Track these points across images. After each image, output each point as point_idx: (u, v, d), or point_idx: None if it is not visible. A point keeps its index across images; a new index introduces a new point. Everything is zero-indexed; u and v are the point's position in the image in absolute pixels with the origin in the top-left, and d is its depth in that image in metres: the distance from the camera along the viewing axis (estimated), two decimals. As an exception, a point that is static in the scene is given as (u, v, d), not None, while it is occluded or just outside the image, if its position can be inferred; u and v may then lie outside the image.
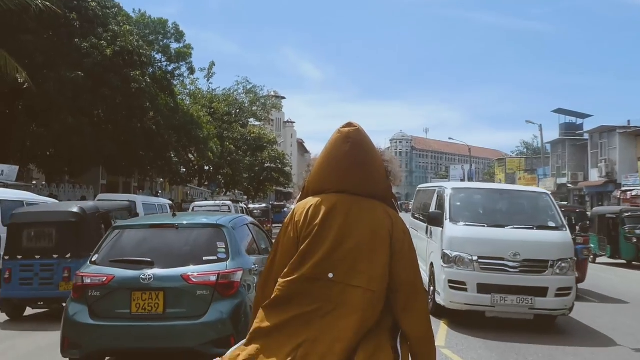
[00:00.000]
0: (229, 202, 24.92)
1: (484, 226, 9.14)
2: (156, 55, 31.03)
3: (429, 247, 10.26)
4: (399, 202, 2.97)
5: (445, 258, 8.88)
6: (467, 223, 9.24)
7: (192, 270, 5.86)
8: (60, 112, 20.84)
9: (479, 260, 8.61)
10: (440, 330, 8.47)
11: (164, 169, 33.23)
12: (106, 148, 22.79)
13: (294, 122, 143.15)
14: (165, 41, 32.61)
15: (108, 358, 6.20)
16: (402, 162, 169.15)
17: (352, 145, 2.63)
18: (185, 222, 6.69)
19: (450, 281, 8.71)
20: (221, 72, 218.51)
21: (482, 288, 8.50)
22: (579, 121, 54.30)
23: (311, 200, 2.70)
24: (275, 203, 49.33)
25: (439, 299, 9.08)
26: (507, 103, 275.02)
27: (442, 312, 9.12)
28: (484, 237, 8.91)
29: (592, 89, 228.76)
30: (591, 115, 55.73)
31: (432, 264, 9.81)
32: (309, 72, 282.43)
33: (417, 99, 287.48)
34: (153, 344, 5.84)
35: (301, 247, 2.59)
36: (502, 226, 9.11)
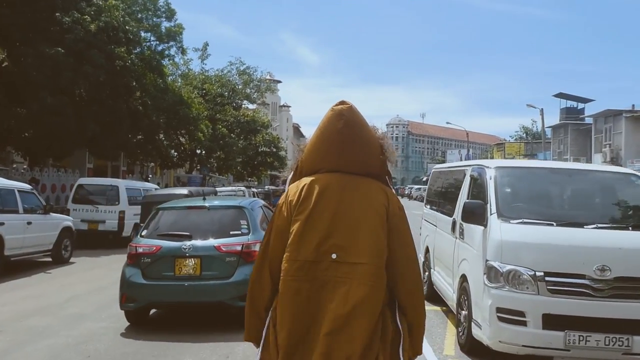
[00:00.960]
0: (243, 188, 28.25)
1: (552, 225, 6.08)
2: (145, 34, 29.49)
3: (458, 252, 7.35)
4: (394, 188, 2.91)
5: (492, 273, 5.90)
6: (526, 220, 6.14)
7: (222, 242, 7.59)
8: (38, 90, 19.51)
9: (546, 279, 5.67)
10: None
11: (152, 152, 31.97)
12: (89, 129, 21.51)
13: (290, 107, 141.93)
14: (155, 19, 31.06)
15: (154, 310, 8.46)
16: (398, 146, 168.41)
17: (345, 122, 2.63)
18: (214, 204, 8.64)
19: (499, 309, 5.80)
20: (218, 55, 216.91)
21: (551, 321, 5.62)
22: (580, 106, 53.30)
23: (305, 180, 2.70)
24: (274, 187, 48.62)
25: (480, 334, 6.14)
26: (505, 89, 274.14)
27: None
28: (553, 241, 5.87)
29: (591, 74, 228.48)
30: (593, 100, 54.71)
31: (463, 277, 6.83)
32: (306, 56, 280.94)
33: (415, 83, 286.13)
34: (192, 298, 7.53)
35: (296, 227, 2.59)
36: (580, 225, 6.09)
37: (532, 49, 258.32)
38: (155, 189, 22.93)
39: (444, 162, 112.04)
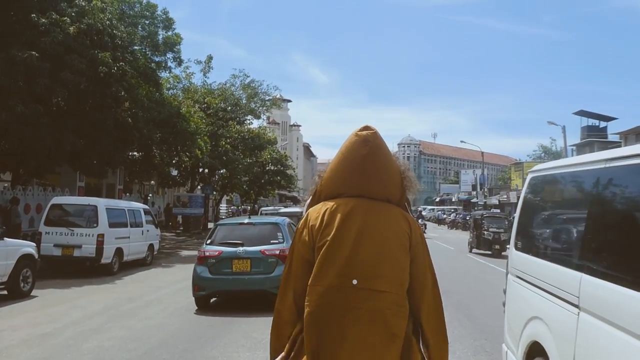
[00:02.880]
0: (282, 208, 29.91)
1: None
2: (140, 44, 27.39)
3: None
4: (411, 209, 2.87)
5: None
6: None
7: (265, 248, 10.87)
8: (8, 98, 17.28)
9: None
10: None
11: (147, 169, 29.71)
12: (68, 143, 19.21)
13: (300, 126, 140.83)
14: (152, 28, 28.95)
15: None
16: (410, 166, 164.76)
17: (370, 148, 2.64)
18: (257, 221, 12.17)
19: None
20: (226, 73, 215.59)
21: None
22: (602, 124, 50.85)
23: (326, 204, 2.68)
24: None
25: None
26: (515, 109, 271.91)
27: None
28: None
29: (603, 95, 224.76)
30: (615, 118, 52.22)
31: None
32: (316, 77, 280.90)
33: (425, 104, 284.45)
34: (244, 287, 10.90)
35: (320, 253, 2.58)
36: None
37: (543, 70, 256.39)
38: (144, 209, 20.69)
39: (457, 182, 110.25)
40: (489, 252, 25.25)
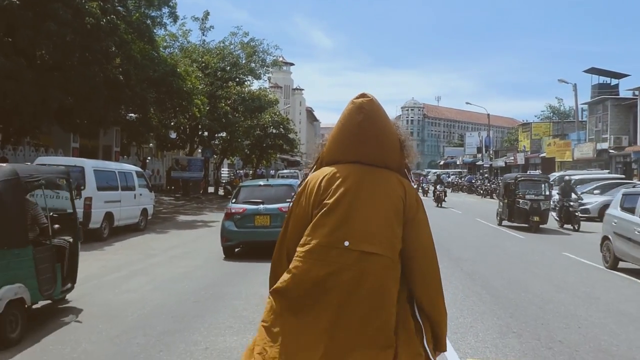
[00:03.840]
0: (297, 171, 34.20)
1: None
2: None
3: None
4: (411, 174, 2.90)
5: None
6: None
7: (281, 205, 12.17)
8: (-12, 50, 15.96)
9: None
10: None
11: (143, 131, 28.37)
12: (54, 99, 17.91)
13: (303, 90, 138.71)
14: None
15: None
16: (414, 130, 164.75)
17: (365, 115, 2.68)
18: (274, 183, 15.11)
19: None
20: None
21: None
22: (614, 81, 49.19)
23: (325, 170, 2.75)
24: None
25: None
26: (521, 71, 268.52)
27: None
28: None
29: (613, 54, 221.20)
30: (628, 75, 50.51)
31: None
32: (319, 40, 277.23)
33: (430, 67, 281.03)
34: (264, 238, 12.18)
35: (316, 215, 2.62)
36: None
37: (549, 31, 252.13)
38: (137, 171, 19.48)
39: (461, 145, 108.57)
40: (525, 225, 19.94)
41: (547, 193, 20.47)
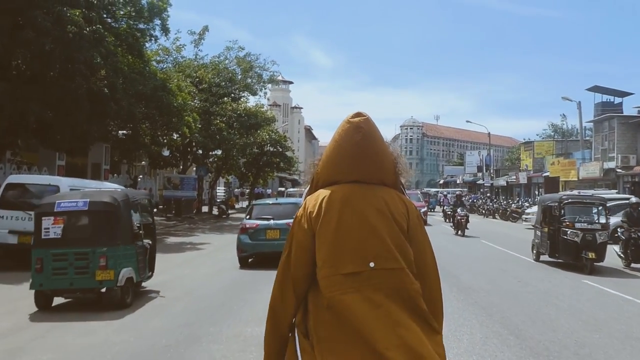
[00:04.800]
0: (303, 190, 35.55)
1: None
2: (122, 5, 24.67)
3: None
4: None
5: None
6: None
7: (289, 221, 12.61)
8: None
9: None
10: None
11: (133, 148, 27.18)
12: (31, 113, 16.69)
13: (302, 108, 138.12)
14: (134, -10, 26.16)
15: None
16: (413, 149, 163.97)
17: (363, 135, 2.66)
18: (283, 202, 17.08)
19: None
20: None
21: None
22: (617, 100, 48.18)
23: (323, 192, 2.70)
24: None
25: None
26: (519, 91, 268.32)
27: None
28: None
29: (611, 74, 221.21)
30: (632, 94, 49.50)
31: None
32: (319, 60, 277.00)
33: (428, 86, 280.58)
34: (275, 250, 13.41)
35: (327, 241, 2.57)
36: None
37: (547, 51, 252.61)
38: (121, 189, 18.20)
39: (461, 164, 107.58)
40: (573, 263, 15.14)
41: (604, 220, 15.39)
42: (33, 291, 9.24)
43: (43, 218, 9.37)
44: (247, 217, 15.44)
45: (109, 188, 17.32)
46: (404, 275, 2.54)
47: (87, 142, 20.56)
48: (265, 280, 11.24)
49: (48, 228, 9.27)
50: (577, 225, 14.99)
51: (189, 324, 8.36)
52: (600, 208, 15.70)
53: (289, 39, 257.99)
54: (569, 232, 14.97)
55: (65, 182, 14.97)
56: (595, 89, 47.29)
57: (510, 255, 18.31)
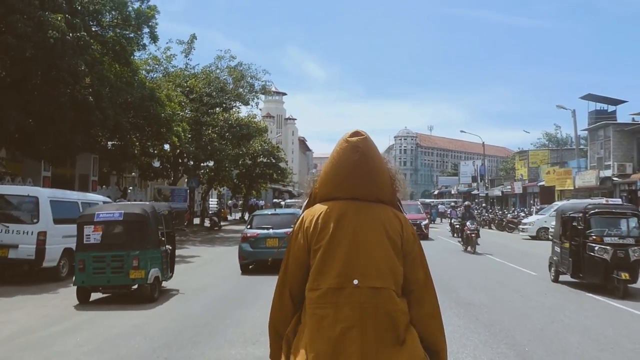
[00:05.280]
0: (300, 200, 36.17)
1: None
2: (107, 12, 24.11)
3: None
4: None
5: None
6: None
7: (287, 230, 13.15)
8: None
9: None
10: None
11: (121, 159, 26.55)
12: (11, 121, 16.08)
13: (296, 119, 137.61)
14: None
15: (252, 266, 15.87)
16: (407, 159, 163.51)
17: (360, 154, 2.70)
18: (281, 212, 17.73)
19: None
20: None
21: None
22: (611, 108, 47.88)
23: (320, 208, 2.76)
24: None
25: None
26: (512, 101, 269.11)
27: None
28: None
29: (602, 85, 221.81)
30: (625, 101, 49.27)
31: None
32: (312, 71, 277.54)
33: (421, 97, 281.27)
34: (274, 257, 14.83)
35: (318, 255, 2.64)
36: None
37: (538, 61, 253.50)
38: (105, 201, 17.54)
39: (455, 174, 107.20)
40: (600, 283, 12.70)
41: (637, 233, 12.77)
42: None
43: (84, 226, 11.04)
44: (248, 226, 16.45)
45: (93, 200, 16.78)
46: (388, 295, 2.57)
47: (70, 151, 19.92)
48: (249, 301, 10.64)
49: (89, 235, 11.00)
50: (607, 239, 12.57)
51: (168, 345, 7.75)
52: (634, 219, 13.03)
53: (282, 50, 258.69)
54: (596, 248, 12.47)
55: (44, 193, 14.34)
56: (589, 97, 46.98)
57: (524, 274, 15.87)
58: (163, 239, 11.93)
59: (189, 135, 29.78)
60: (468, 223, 22.28)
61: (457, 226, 27.72)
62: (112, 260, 10.84)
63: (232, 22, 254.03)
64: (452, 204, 41.03)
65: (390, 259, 2.61)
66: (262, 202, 62.71)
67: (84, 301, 10.95)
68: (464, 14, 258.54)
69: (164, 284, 12.18)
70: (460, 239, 24.33)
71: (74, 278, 11.04)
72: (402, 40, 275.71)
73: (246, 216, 50.12)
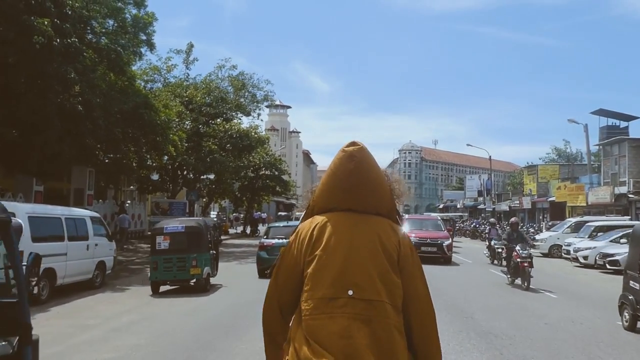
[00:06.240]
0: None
1: None
2: (101, 18, 23.16)
3: None
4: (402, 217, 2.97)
5: None
6: None
7: None
8: None
9: None
10: None
11: (116, 171, 25.50)
12: (-8, 132, 15.00)
13: (300, 132, 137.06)
14: (119, 4, 24.58)
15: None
16: (412, 173, 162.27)
17: (356, 163, 2.69)
18: (293, 224, 18.28)
19: None
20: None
21: None
22: (623, 124, 46.75)
23: (316, 219, 2.74)
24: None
25: None
26: (516, 117, 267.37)
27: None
28: None
29: (606, 103, 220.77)
30: (637, 117, 48.04)
31: None
32: (316, 85, 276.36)
33: (425, 112, 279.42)
34: None
35: (312, 266, 2.61)
36: None
37: (543, 77, 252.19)
38: (93, 216, 16.45)
39: (460, 188, 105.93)
40: None
41: None
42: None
43: (156, 236, 15.00)
44: (265, 237, 18.92)
45: (78, 215, 15.70)
46: (382, 308, 2.51)
47: (59, 164, 18.77)
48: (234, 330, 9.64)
49: (160, 242, 14.81)
50: None
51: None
52: None
53: (286, 65, 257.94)
54: None
55: (22, 209, 13.13)
56: (600, 112, 45.85)
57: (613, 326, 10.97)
58: (211, 245, 15.75)
59: (186, 144, 28.64)
60: (518, 247, 16.21)
61: (500, 250, 21.04)
62: (177, 261, 14.60)
63: (238, 37, 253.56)
64: (493, 220, 31.71)
65: (386, 272, 2.57)
66: (264, 215, 61.62)
67: (156, 292, 14.68)
68: (469, 31, 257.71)
69: (211, 279, 15.77)
70: (504, 268, 18.00)
71: (149, 274, 15.06)
72: (406, 55, 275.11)
73: (247, 230, 49.09)
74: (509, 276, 16.79)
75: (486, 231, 26.59)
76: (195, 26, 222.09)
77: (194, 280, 14.83)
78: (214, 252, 16.07)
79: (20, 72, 15.76)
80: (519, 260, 15.82)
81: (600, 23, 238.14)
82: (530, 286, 15.55)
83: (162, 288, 14.95)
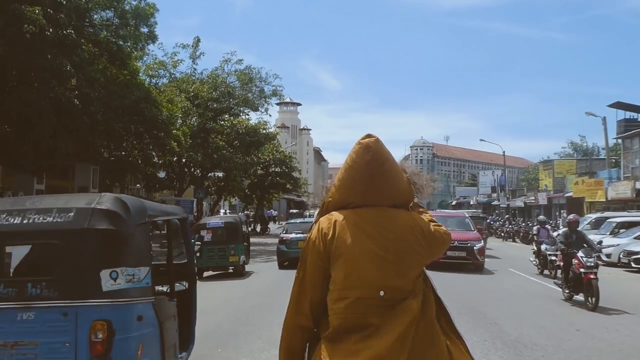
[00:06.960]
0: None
1: None
2: (100, 9, 22.30)
3: None
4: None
5: None
6: None
7: None
8: None
9: None
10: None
11: (119, 169, 24.66)
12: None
13: (310, 130, 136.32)
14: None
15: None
16: (424, 169, 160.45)
17: (373, 154, 2.68)
18: (309, 220, 22.36)
19: None
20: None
21: None
22: (641, 117, 45.36)
23: (336, 215, 2.69)
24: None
25: None
26: (528, 113, 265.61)
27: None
28: None
29: (619, 97, 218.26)
30: (657, 110, 46.63)
31: None
32: (327, 82, 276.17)
33: (436, 108, 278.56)
34: None
35: (339, 264, 2.57)
36: None
37: (554, 72, 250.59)
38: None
39: (473, 185, 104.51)
40: None
41: None
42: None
43: (201, 230, 17.71)
44: (284, 232, 20.89)
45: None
46: (413, 304, 2.51)
47: (54, 160, 17.88)
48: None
49: (203, 235, 17.46)
50: None
51: None
52: None
53: (296, 62, 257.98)
54: None
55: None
56: (618, 105, 44.43)
57: None
58: (244, 237, 19.06)
59: (190, 141, 27.76)
60: (580, 254, 12.36)
61: (554, 258, 16.54)
62: (218, 250, 17.34)
63: (247, 35, 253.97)
64: (541, 217, 23.46)
65: (414, 264, 2.58)
66: (275, 213, 60.79)
67: (200, 277, 16.65)
68: (478, 26, 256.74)
69: (246, 267, 18.61)
70: (558, 280, 14.08)
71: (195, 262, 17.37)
72: (417, 51, 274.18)
73: (258, 228, 48.31)
74: (567, 291, 13.05)
75: (534, 232, 22.02)
76: (205, 25, 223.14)
77: (232, 267, 17.65)
78: (246, 243, 19.53)
79: (10, 64, 14.89)
80: (582, 270, 12.11)
81: (612, 17, 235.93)
82: (599, 305, 11.72)
83: (205, 273, 17.87)
